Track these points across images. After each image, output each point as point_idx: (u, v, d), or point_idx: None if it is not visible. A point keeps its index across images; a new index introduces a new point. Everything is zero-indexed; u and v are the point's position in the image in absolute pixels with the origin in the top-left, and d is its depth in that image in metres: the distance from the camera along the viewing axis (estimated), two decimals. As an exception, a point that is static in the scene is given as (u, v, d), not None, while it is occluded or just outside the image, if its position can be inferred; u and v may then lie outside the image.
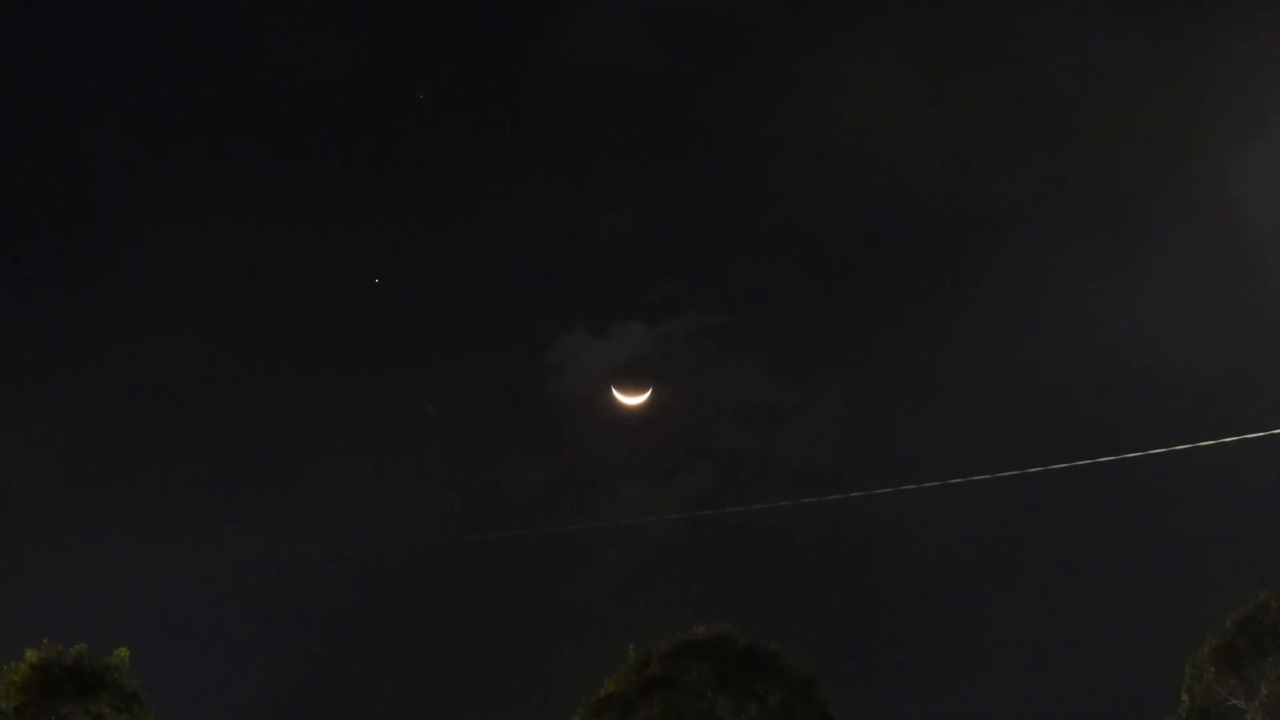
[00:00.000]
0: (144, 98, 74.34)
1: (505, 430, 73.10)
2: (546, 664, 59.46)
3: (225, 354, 71.54)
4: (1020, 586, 63.17)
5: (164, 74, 74.90)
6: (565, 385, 71.13)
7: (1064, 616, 62.00)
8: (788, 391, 71.85)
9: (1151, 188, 68.76)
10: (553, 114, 75.28)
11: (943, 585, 64.10)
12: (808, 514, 58.61)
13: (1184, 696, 42.51)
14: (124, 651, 41.62)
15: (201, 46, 74.97)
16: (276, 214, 73.88)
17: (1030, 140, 71.94)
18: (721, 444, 72.24)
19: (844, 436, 69.42)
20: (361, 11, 74.41)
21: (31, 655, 40.75)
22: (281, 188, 73.95)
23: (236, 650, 61.40)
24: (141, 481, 68.96)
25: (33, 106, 73.89)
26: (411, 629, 64.86)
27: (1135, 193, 69.89)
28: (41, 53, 74.43)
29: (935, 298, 71.86)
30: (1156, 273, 67.19)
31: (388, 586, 65.11)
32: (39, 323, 72.57)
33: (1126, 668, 54.36)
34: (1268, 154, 64.60)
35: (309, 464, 69.77)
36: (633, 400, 68.09)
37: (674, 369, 70.90)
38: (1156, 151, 69.20)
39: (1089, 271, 69.81)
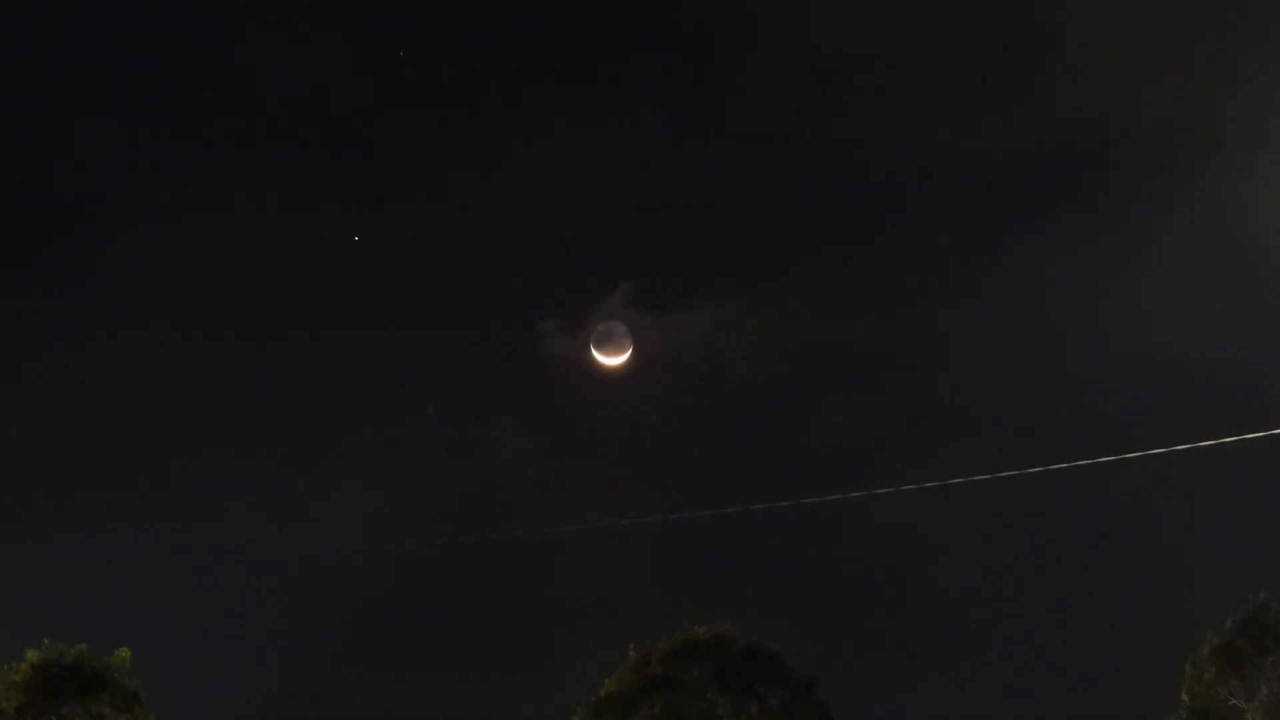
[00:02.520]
0: (130, 89, 74.16)
1: (500, 418, 73.02)
2: (546, 664, 59.53)
3: (224, 352, 71.57)
4: (1021, 586, 63.25)
5: (145, 61, 74.73)
6: (557, 360, 70.76)
7: (1064, 616, 62.06)
8: (786, 387, 71.86)
9: (1156, 185, 68.86)
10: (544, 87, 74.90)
11: (943, 585, 64.14)
12: (809, 513, 58.58)
13: (1184, 696, 42.54)
14: (124, 651, 41.67)
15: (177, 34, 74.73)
16: (268, 202, 73.81)
17: (1033, 136, 72.07)
18: (720, 437, 72.21)
19: (844, 435, 69.42)
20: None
21: (31, 655, 40.81)
22: (273, 176, 73.88)
23: (237, 650, 61.47)
24: (141, 481, 69.02)
25: (23, 101, 73.91)
26: (412, 629, 64.92)
27: (1139, 191, 70.01)
28: (34, 49, 74.44)
29: (934, 297, 71.92)
30: (1159, 273, 67.27)
31: (387, 587, 65.14)
32: (36, 320, 72.59)
33: (1126, 668, 54.39)
34: (1274, 151, 64.69)
35: (309, 464, 69.85)
36: (612, 360, 67.32)
37: (671, 355, 70.73)
38: (1161, 148, 69.35)
39: (1089, 270, 69.88)
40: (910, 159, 70.44)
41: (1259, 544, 56.87)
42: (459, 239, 73.67)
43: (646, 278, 71.39)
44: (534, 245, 73.57)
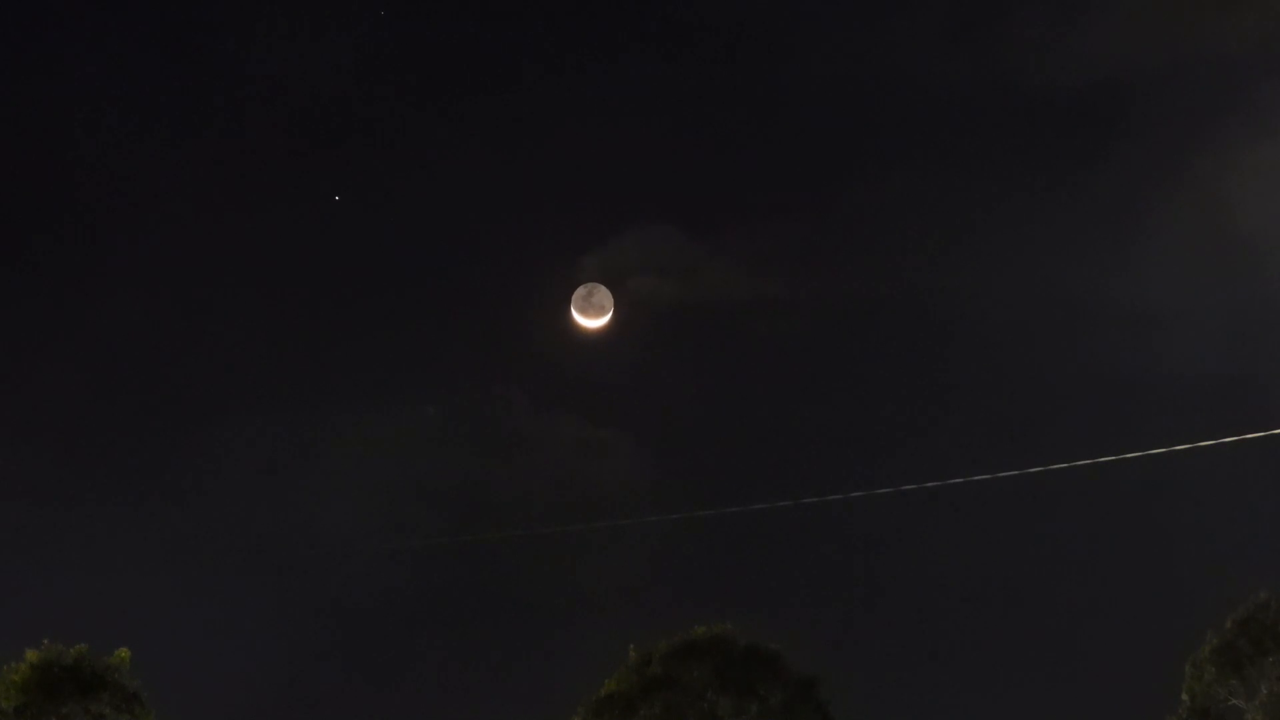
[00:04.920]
0: (110, 71, 73.75)
1: (499, 402, 72.66)
2: (546, 664, 59.53)
3: (223, 349, 71.43)
4: (1020, 586, 63.15)
5: (132, 51, 74.39)
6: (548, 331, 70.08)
7: (1064, 616, 62.01)
8: (789, 386, 71.75)
9: (1152, 185, 68.81)
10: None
11: (942, 585, 64.07)
12: (808, 513, 58.52)
13: (1184, 696, 42.59)
14: (124, 651, 41.71)
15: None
16: (258, 191, 73.58)
17: (1030, 137, 71.99)
18: (718, 436, 72.03)
19: (844, 435, 69.30)
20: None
21: (31, 655, 40.85)
22: (268, 167, 73.59)
23: (236, 650, 61.44)
24: (141, 480, 68.97)
25: (15, 99, 73.74)
26: (411, 629, 64.90)
27: (1136, 190, 69.94)
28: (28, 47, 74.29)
29: (932, 297, 71.71)
30: (1156, 272, 67.18)
31: (387, 586, 65.10)
32: (34, 319, 72.46)
33: (1126, 668, 54.39)
34: (1270, 151, 64.63)
35: (308, 461, 69.71)
36: (593, 323, 66.18)
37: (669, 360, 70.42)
38: (1157, 148, 69.33)
39: (1088, 270, 69.81)
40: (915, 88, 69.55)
41: (1259, 544, 56.89)
42: (447, 214, 73.10)
43: (635, 242, 70.76)
44: (520, 210, 72.72)
